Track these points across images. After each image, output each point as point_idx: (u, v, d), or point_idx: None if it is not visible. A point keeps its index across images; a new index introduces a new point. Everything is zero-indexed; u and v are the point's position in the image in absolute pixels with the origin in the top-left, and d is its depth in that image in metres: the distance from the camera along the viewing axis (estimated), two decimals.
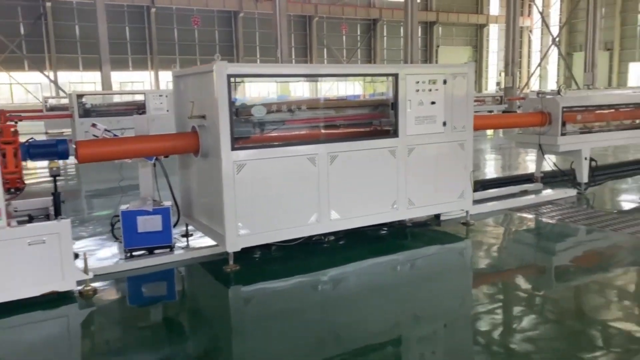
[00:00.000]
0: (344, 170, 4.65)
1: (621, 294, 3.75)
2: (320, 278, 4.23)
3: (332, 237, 4.96)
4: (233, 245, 4.23)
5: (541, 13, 43.04)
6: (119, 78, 31.73)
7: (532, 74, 40.94)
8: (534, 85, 55.94)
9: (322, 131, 4.71)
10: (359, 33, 46.84)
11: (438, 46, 51.62)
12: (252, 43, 39.55)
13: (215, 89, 4.01)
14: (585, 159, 6.76)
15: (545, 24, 40.31)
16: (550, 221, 5.64)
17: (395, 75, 4.84)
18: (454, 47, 52.69)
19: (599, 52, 43.11)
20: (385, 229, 5.34)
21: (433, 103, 5.09)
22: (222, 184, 4.09)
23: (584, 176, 6.76)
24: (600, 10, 32.52)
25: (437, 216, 5.64)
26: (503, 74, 28.90)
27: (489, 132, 15.77)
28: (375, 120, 5.15)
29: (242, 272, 4.25)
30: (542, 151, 6.76)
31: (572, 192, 6.81)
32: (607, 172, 8.16)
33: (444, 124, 5.20)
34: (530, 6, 54.53)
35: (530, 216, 5.87)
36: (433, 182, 5.23)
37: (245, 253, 4.43)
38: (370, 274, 4.32)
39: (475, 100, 23.57)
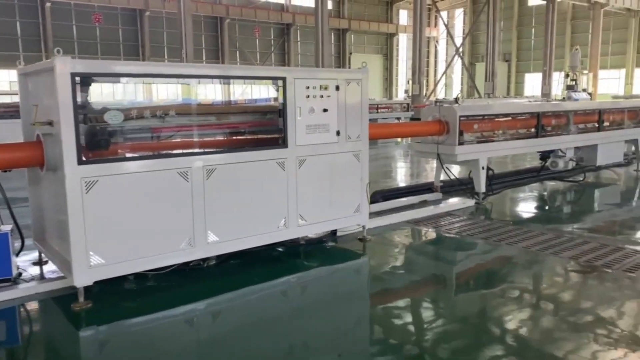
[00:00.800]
0: (224, 186, 4.10)
1: (517, 313, 3.52)
2: (193, 312, 3.64)
3: (212, 262, 4.39)
4: (82, 279, 3.52)
5: (446, 25, 45.02)
6: (8, 77, 28.94)
7: (438, 83, 42.60)
8: (441, 93, 58.58)
9: (198, 140, 4.12)
10: (272, 37, 46.42)
11: (351, 53, 52.46)
12: (160, 43, 37.77)
13: (57, 90, 3.31)
14: (483, 168, 6.70)
15: (449, 35, 42.13)
16: (448, 235, 5.44)
17: (283, 79, 4.37)
18: (366, 55, 53.78)
19: (498, 63, 45.85)
20: (281, 248, 4.86)
21: (325, 110, 4.68)
22: (66, 205, 3.38)
23: (481, 186, 6.71)
24: (499, 23, 34.50)
25: (334, 232, 5.25)
26: (411, 82, 29.67)
27: (398, 139, 15.91)
28: (262, 129, 4.65)
29: (97, 309, 3.56)
30: (440, 161, 6.61)
31: (470, 203, 6.73)
32: (504, 181, 8.26)
33: (338, 133, 4.81)
34: (436, 17, 57.04)
35: (428, 229, 5.65)
36: (327, 196, 4.82)
37: (111, 282, 3.75)
38: (254, 303, 3.80)
39: (384, 107, 24.04)
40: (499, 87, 48.41)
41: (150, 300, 3.79)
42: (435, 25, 57.84)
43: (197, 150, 4.08)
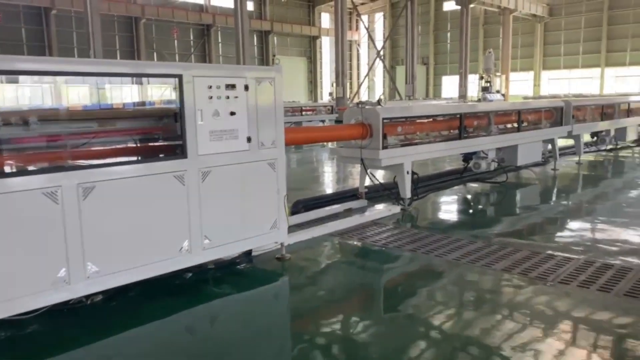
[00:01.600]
0: (106, 207, 3.38)
1: (446, 340, 3.11)
2: None
3: (99, 297, 3.64)
4: None
5: (367, 28, 45.57)
6: None
7: (361, 85, 43.02)
8: (364, 95, 59.43)
9: (71, 153, 3.37)
10: (192, 38, 44.90)
11: (274, 55, 51.90)
12: (69, 44, 35.24)
13: None
14: (408, 172, 6.37)
15: (370, 38, 42.68)
16: (375, 247, 5.01)
17: (179, 77, 3.71)
18: (290, 57, 53.48)
19: (417, 66, 47.12)
20: (188, 274, 4.19)
21: (233, 114, 4.07)
22: None
23: (406, 191, 6.37)
24: (417, 27, 35.34)
25: (249, 252, 4.64)
26: (335, 85, 29.60)
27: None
28: (156, 136, 3.97)
29: None
30: (364, 166, 6.20)
31: (396, 209, 6.37)
32: (428, 184, 8.03)
33: (249, 139, 4.22)
34: (357, 21, 57.84)
35: (353, 242, 5.19)
36: (238, 212, 4.21)
37: None
38: (148, 348, 3.12)
39: (309, 110, 23.69)
40: (418, 89, 49.87)
41: (11, 355, 3.01)
42: (357, 28, 58.67)
43: (69, 164, 3.33)
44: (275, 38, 51.70)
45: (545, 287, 3.84)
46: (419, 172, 8.86)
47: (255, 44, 50.43)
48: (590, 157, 11.40)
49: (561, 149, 11.70)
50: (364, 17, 58.79)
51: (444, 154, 7.21)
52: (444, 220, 6.35)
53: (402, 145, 6.42)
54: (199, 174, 3.88)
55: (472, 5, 37.62)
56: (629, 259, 4.44)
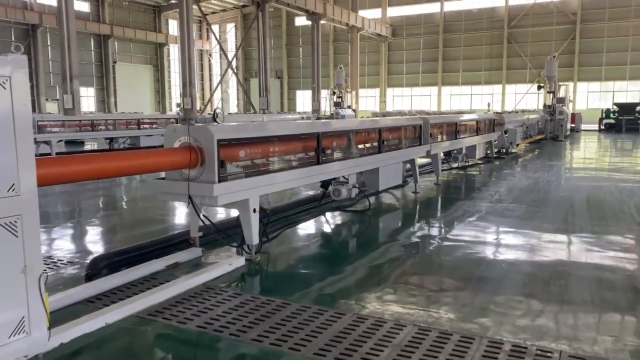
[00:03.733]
0: None
1: None
2: None
3: None
4: None
5: (217, 39, 43.67)
6: None
7: (212, 97, 40.89)
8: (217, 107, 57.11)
9: None
10: (13, 39, 38.87)
11: (115, 62, 47.37)
12: None
13: None
14: (255, 210, 4.84)
15: (221, 49, 40.91)
16: (203, 340, 3.36)
17: None
18: (133, 65, 49.28)
19: (271, 80, 46.47)
20: None
21: None
22: None
23: (253, 236, 4.83)
24: (269, 40, 34.41)
25: None
26: (182, 96, 27.21)
27: None
28: None
29: None
30: (194, 205, 4.53)
31: (240, 261, 4.79)
32: (281, 217, 6.63)
33: None
34: (208, 30, 55.67)
35: (169, 332, 3.47)
36: None
37: None
38: None
39: (149, 123, 20.95)
40: (273, 103, 49.26)
41: None
42: (208, 38, 56.35)
43: None
44: (116, 43, 47.19)
45: None
46: (271, 201, 7.49)
47: (92, 48, 45.47)
48: (444, 176, 11.04)
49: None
50: (215, 27, 56.81)
51: (302, 182, 5.82)
52: (303, 276, 4.86)
53: (247, 175, 4.88)
54: None
55: (322, 22, 37.95)
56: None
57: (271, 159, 5.35)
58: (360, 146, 7.52)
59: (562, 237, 5.90)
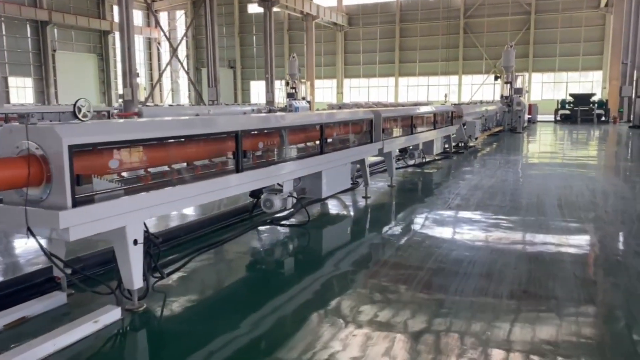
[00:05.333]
0: None
1: None
2: None
3: None
4: None
5: (161, 27, 41.35)
6: None
7: (154, 88, 38.62)
8: (168, 98, 54.74)
9: None
10: None
11: (55, 50, 44.25)
12: None
13: None
14: (136, 242, 3.48)
15: (165, 36, 38.74)
16: None
17: None
18: (75, 53, 46.23)
19: (224, 70, 44.61)
20: None
21: None
22: None
23: (133, 280, 3.47)
24: (217, 28, 32.55)
25: None
26: (122, 86, 25.19)
27: None
28: None
29: None
30: (36, 240, 3.14)
31: (113, 315, 3.42)
32: (186, 241, 5.31)
33: None
34: (156, 18, 53.09)
35: None
36: None
37: None
38: None
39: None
40: (225, 94, 47.36)
41: None
42: (156, 26, 53.60)
43: None
44: (55, 30, 44.04)
45: None
46: (177, 216, 6.00)
47: (29, 35, 42.23)
48: (399, 175, 9.92)
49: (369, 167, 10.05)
50: (164, 14, 54.17)
51: (214, 197, 4.46)
52: (204, 331, 3.58)
53: (127, 193, 3.51)
54: None
55: (275, 10, 36.36)
56: None
57: (164, 168, 3.99)
58: (298, 146, 6.27)
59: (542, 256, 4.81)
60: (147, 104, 37.66)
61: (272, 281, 4.40)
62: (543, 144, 18.53)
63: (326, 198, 7.17)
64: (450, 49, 43.23)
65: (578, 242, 5.37)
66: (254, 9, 46.02)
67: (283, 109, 26.95)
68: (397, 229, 6.07)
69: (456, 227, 6.03)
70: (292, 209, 6.29)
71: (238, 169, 4.60)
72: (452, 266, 4.54)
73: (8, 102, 39.42)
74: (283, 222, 6.12)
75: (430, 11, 43.71)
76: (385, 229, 6.05)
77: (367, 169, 7.61)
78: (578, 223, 6.12)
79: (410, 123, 9.70)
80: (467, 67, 43.28)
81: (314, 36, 41.02)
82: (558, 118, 31.60)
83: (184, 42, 54.52)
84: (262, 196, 5.80)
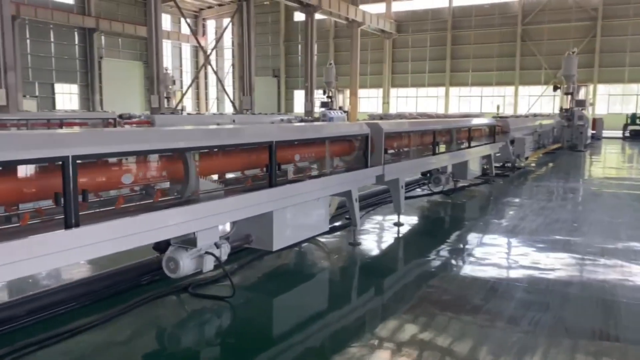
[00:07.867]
0: None
1: None
2: None
3: None
4: None
5: (193, 32, 40.57)
6: None
7: (185, 94, 37.66)
8: (213, 107, 54.34)
9: None
10: None
11: (102, 57, 44.62)
12: None
13: None
14: None
15: (198, 43, 38.06)
16: None
17: None
18: (121, 61, 46.48)
19: (268, 79, 43.59)
20: None
21: None
22: None
23: None
24: (264, 37, 31.27)
25: None
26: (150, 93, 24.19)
27: None
28: None
29: None
30: None
31: None
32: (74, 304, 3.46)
33: None
34: (204, 25, 53.02)
35: None
36: None
37: None
38: None
39: (84, 124, 17.72)
40: (270, 103, 46.19)
41: None
42: (204, 34, 53.41)
43: None
44: (102, 37, 44.42)
45: None
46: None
47: (77, 42, 42.70)
48: (418, 206, 7.77)
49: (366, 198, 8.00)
50: (211, 22, 53.98)
51: (80, 258, 2.59)
52: None
53: None
54: None
55: (320, 17, 34.79)
56: None
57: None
58: (233, 175, 4.35)
59: None
60: (186, 111, 36.98)
61: None
62: (609, 165, 15.68)
63: (281, 250, 5.08)
64: (506, 57, 40.07)
65: None
66: (299, 16, 44.66)
67: (317, 119, 25.12)
68: (391, 319, 3.98)
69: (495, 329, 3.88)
70: (220, 270, 4.31)
71: (67, 225, 2.72)
72: None
73: (54, 108, 40.05)
74: (196, 292, 4.16)
75: (485, 17, 40.75)
76: (359, 311, 3.97)
77: (356, 205, 5.53)
78: None
79: (432, 140, 7.55)
80: (524, 77, 39.94)
81: (359, 43, 39.08)
82: (627, 134, 28.03)
83: (229, 50, 54.05)
84: (168, 250, 3.89)
